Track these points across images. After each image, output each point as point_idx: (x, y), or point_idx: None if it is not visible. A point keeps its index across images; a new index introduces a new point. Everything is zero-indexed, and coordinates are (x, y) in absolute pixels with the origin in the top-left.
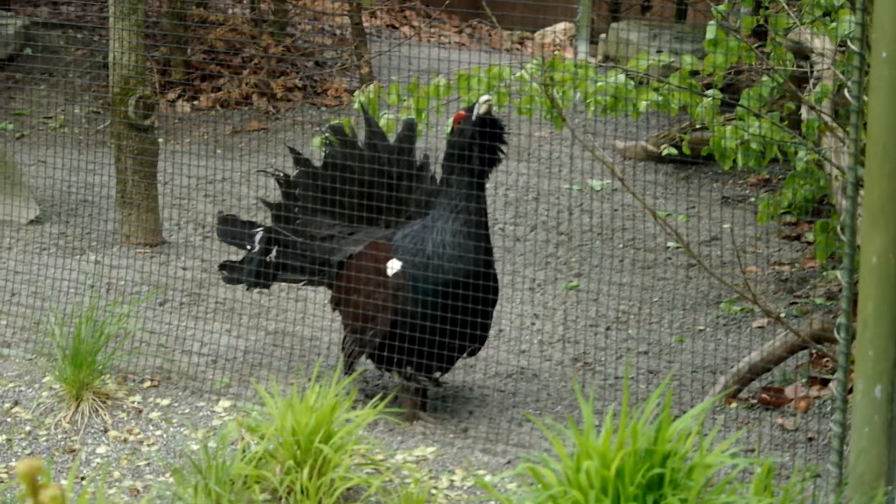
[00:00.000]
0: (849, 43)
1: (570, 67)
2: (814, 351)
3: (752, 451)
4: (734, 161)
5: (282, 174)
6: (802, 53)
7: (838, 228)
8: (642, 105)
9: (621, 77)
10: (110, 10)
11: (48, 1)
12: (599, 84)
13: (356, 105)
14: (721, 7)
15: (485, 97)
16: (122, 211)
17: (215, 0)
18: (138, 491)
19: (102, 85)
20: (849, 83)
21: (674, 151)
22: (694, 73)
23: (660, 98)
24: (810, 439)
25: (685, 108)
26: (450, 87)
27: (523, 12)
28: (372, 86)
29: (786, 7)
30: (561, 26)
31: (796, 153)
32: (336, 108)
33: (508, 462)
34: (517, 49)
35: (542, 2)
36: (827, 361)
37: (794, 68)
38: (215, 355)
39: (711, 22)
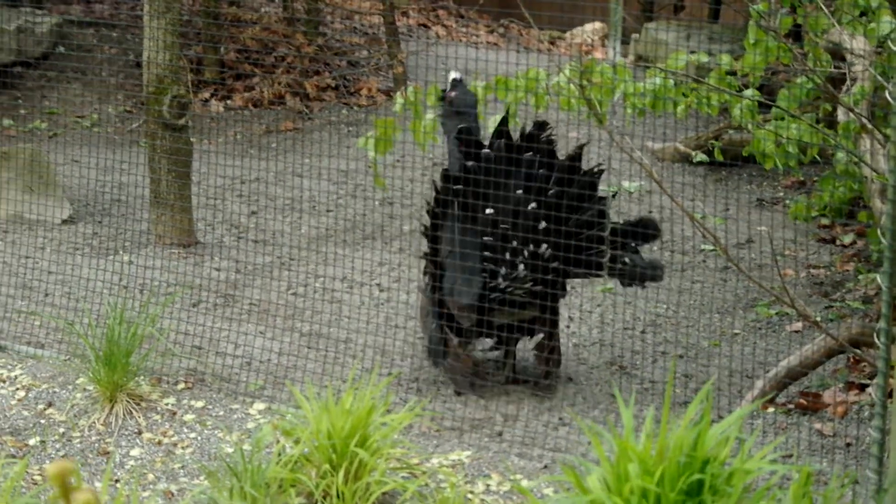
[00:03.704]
0: (889, 43)
1: (607, 70)
2: (851, 355)
3: (790, 456)
4: (774, 163)
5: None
6: (839, 54)
7: (878, 232)
8: (680, 109)
9: (658, 79)
10: (145, 8)
11: None
12: (638, 85)
13: (396, 107)
14: (759, 6)
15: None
16: (155, 211)
17: None
18: (173, 494)
19: (135, 84)
20: (889, 86)
21: (705, 158)
22: (729, 73)
23: (695, 102)
24: (848, 445)
25: (722, 110)
26: (489, 88)
27: (555, 11)
28: (412, 87)
29: (823, 7)
30: (592, 26)
31: (832, 154)
32: (369, 108)
33: (545, 466)
34: (549, 49)
35: (574, 1)
36: (864, 366)
37: (831, 69)
38: (249, 357)
39: (752, 22)
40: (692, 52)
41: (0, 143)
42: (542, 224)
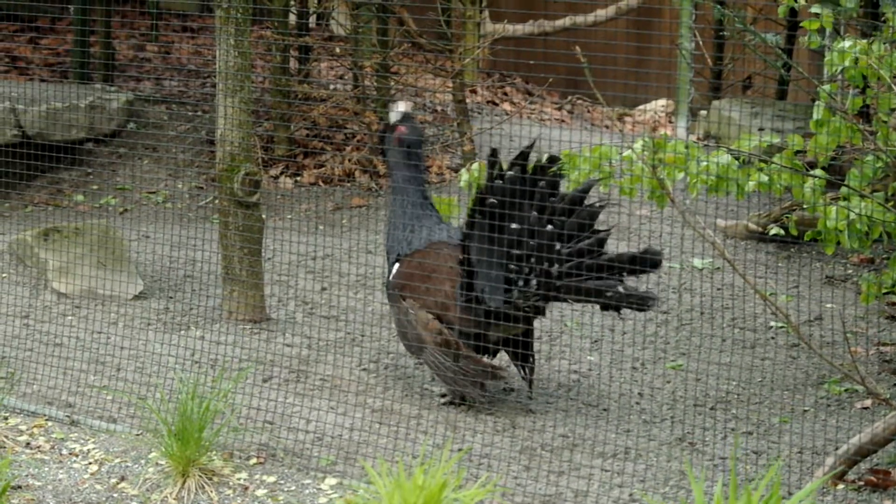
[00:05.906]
0: None
1: (679, 148)
2: None
3: None
4: (837, 242)
5: None
6: None
7: None
8: (750, 185)
9: (726, 157)
10: (218, 87)
11: (152, 76)
12: (704, 164)
13: (461, 183)
14: (828, 87)
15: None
16: (227, 287)
17: (319, 76)
18: None
19: (206, 160)
20: None
21: (780, 232)
22: (797, 152)
23: (766, 178)
24: None
25: (789, 188)
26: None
27: (624, 90)
28: (476, 164)
29: (893, 87)
30: (660, 102)
31: None
32: (439, 185)
33: None
34: (619, 128)
35: (641, 80)
36: None
37: None
38: (321, 433)
39: (818, 103)
40: (760, 130)
41: (72, 218)
42: (553, 245)
